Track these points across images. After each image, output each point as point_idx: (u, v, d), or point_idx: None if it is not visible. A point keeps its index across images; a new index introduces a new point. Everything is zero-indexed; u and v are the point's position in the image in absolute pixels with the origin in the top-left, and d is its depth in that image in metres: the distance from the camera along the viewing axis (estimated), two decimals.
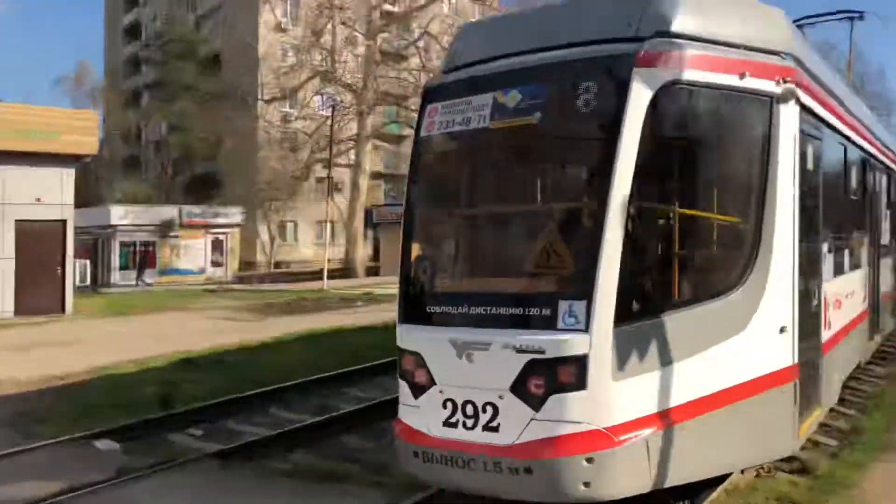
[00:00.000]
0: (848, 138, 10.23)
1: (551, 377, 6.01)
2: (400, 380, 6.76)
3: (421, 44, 47.95)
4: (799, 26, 15.13)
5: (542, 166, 7.31)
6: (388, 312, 16.09)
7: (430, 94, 7.23)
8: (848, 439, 9.18)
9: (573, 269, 6.28)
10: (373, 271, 47.22)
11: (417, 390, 6.52)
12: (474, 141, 6.89)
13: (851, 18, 18.30)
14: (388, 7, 51.82)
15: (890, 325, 14.53)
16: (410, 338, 6.66)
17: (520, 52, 6.87)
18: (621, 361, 6.07)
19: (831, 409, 9.66)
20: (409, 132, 42.14)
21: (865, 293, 11.62)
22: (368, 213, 49.64)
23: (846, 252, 10.18)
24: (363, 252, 48.48)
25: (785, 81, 7.15)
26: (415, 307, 6.80)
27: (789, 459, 7.91)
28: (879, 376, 12.49)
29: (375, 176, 57.70)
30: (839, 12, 18.04)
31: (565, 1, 7.53)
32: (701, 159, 6.78)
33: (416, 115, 7.56)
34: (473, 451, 6.16)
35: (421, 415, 6.49)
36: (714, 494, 7.21)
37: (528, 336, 6.08)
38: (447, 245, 7.35)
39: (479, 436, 6.18)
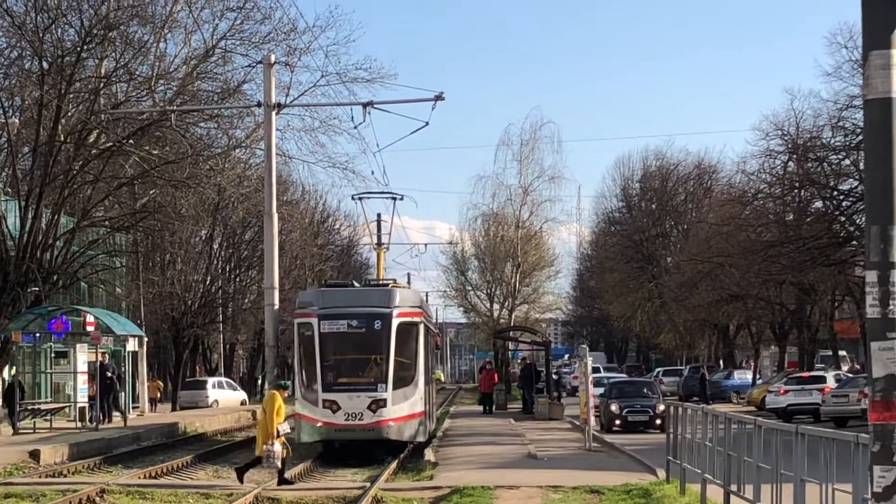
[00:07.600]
0: (428, 328, 27.10)
1: (377, 404, 21.68)
2: (322, 407, 21.61)
3: None
4: (360, 199, 32.25)
5: (370, 345, 22.93)
6: None
7: (320, 316, 22.39)
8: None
9: (382, 374, 22.13)
10: None
11: (334, 410, 21.52)
12: (342, 335, 22.40)
13: (394, 198, 31.79)
14: None
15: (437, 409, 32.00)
16: (329, 394, 21.68)
17: (355, 306, 22.62)
18: (394, 400, 21.87)
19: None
20: None
21: (432, 393, 28.41)
22: None
23: (431, 376, 26.88)
24: None
25: (420, 316, 23.67)
26: (330, 384, 21.85)
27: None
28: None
29: None
30: (387, 193, 32.42)
31: (367, 289, 23.96)
32: (409, 343, 22.97)
33: None
34: (356, 427, 21.53)
35: (336, 418, 21.57)
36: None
37: (372, 392, 21.83)
38: (338, 368, 22.49)
39: (358, 423, 21.60)
